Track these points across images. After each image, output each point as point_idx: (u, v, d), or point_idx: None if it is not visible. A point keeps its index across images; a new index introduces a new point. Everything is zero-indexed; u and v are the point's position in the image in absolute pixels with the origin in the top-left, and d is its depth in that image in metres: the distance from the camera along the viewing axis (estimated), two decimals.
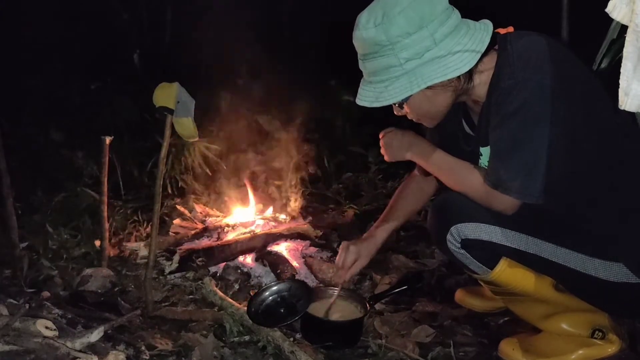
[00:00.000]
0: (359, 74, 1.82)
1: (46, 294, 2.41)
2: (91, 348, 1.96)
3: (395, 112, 1.87)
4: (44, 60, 4.82)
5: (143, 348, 2.03)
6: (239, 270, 2.70)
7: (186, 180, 3.69)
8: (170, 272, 2.66)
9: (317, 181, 3.90)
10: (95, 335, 2.00)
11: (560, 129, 1.64)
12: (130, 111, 4.48)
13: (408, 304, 2.42)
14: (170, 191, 3.59)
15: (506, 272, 1.88)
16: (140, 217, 3.25)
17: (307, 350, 1.98)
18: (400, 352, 2.05)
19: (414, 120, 1.89)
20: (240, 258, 2.80)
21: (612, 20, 1.27)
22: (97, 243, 2.79)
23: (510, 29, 1.79)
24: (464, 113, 1.95)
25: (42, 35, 4.83)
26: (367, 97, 1.76)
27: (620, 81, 1.21)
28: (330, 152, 4.18)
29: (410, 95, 1.73)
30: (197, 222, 3.24)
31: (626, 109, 1.22)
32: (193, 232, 3.05)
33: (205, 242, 2.92)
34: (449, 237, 1.86)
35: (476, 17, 1.78)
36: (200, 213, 3.36)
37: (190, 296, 2.50)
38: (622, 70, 1.22)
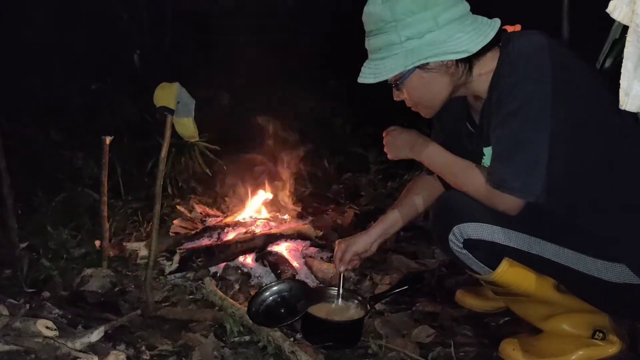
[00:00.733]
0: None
1: (46, 294, 2.41)
2: (91, 348, 1.96)
3: (394, 97, 1.88)
4: (45, 60, 4.83)
5: (143, 348, 2.04)
6: (239, 271, 2.71)
7: (186, 180, 3.70)
8: (171, 272, 2.66)
9: (317, 181, 3.90)
10: (95, 335, 2.00)
11: (561, 128, 1.64)
12: (130, 111, 4.49)
13: (408, 304, 2.42)
14: (170, 191, 3.59)
15: (508, 272, 1.87)
16: (140, 217, 3.25)
17: (307, 350, 1.98)
18: (400, 353, 2.05)
19: (412, 108, 1.89)
20: (241, 258, 2.80)
21: (612, 20, 1.27)
22: (97, 243, 2.79)
23: (518, 27, 1.80)
24: (466, 111, 1.95)
25: (43, 35, 4.84)
26: (366, 74, 1.78)
27: (621, 81, 1.21)
28: (331, 153, 4.18)
29: (408, 76, 1.76)
30: (198, 223, 3.24)
31: (627, 109, 1.23)
32: (193, 232, 3.05)
33: (205, 242, 2.92)
34: (451, 237, 1.86)
35: None
36: (201, 213, 3.36)
37: (191, 296, 2.49)
38: (622, 71, 1.22)
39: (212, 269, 2.72)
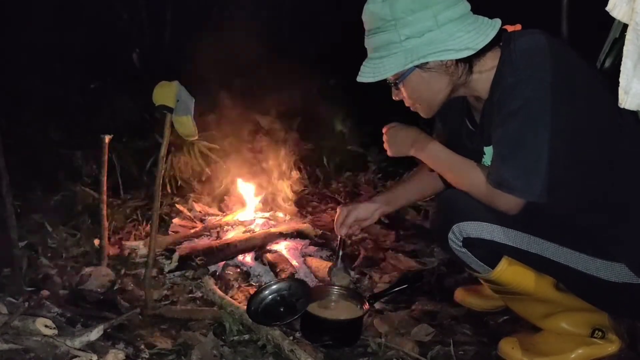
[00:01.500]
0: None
1: (45, 292, 2.41)
2: (91, 347, 1.96)
3: (393, 97, 1.88)
4: (43, 59, 4.81)
5: (142, 347, 2.04)
6: (239, 269, 2.71)
7: (186, 179, 3.69)
8: (170, 271, 2.66)
9: (317, 180, 3.90)
10: (94, 334, 2.00)
11: (562, 128, 1.64)
12: (129, 110, 4.48)
13: (408, 302, 2.42)
14: (169, 190, 3.59)
15: (507, 271, 1.88)
16: (139, 216, 3.25)
17: (306, 349, 1.98)
18: (399, 351, 2.05)
19: (410, 108, 1.89)
20: (240, 257, 2.81)
21: (612, 19, 1.27)
22: (97, 242, 2.78)
23: (518, 26, 1.79)
24: (467, 110, 1.95)
25: (42, 34, 4.82)
26: (365, 73, 1.78)
27: (620, 79, 1.21)
28: (330, 152, 4.18)
29: (407, 75, 1.76)
30: (197, 221, 3.24)
31: (626, 107, 1.23)
32: (192, 231, 3.05)
33: (204, 241, 2.93)
34: (450, 235, 1.86)
35: None
36: (200, 212, 3.36)
37: (190, 295, 2.49)
38: (622, 69, 1.22)
39: (212, 268, 2.71)
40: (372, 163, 3.96)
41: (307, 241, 2.98)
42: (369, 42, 1.79)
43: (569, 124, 1.66)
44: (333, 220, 3.24)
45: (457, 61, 1.74)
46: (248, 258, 2.81)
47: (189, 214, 3.32)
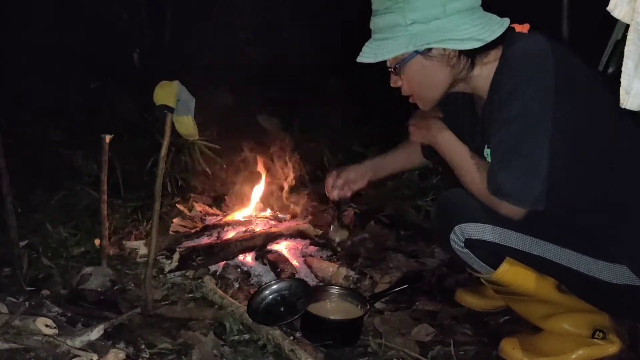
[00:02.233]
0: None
1: (46, 292, 2.41)
2: (91, 346, 1.97)
3: (391, 83, 1.87)
4: (44, 59, 4.82)
5: (143, 346, 2.04)
6: (239, 269, 2.71)
7: (186, 179, 3.69)
8: (170, 271, 2.66)
9: (317, 180, 3.89)
10: (95, 334, 2.01)
11: (562, 133, 1.64)
12: (130, 110, 4.48)
13: (408, 302, 2.42)
14: (170, 190, 3.59)
15: (509, 272, 1.88)
16: (140, 216, 3.25)
17: (307, 348, 1.98)
18: (400, 351, 2.05)
19: (409, 99, 1.89)
20: (240, 257, 2.80)
21: (612, 19, 1.27)
22: (97, 242, 2.78)
23: (526, 26, 1.79)
24: (470, 106, 1.94)
25: (42, 34, 4.83)
26: (366, 54, 1.77)
27: (622, 80, 1.21)
28: (330, 152, 4.18)
29: (409, 60, 1.74)
30: (197, 221, 3.24)
31: (627, 108, 1.23)
32: (193, 230, 3.05)
33: (205, 240, 2.92)
34: (452, 236, 1.86)
35: None
36: (200, 212, 3.36)
37: (190, 295, 2.49)
38: (623, 69, 1.22)
39: (212, 268, 2.71)
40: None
41: (307, 241, 2.98)
42: (374, 23, 1.77)
43: (569, 128, 1.65)
44: (332, 219, 3.29)
45: (460, 54, 1.73)
46: (248, 258, 2.81)
47: (189, 213, 3.32)
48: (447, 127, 1.98)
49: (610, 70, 2.32)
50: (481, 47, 1.70)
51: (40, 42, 4.80)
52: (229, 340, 2.11)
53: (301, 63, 5.13)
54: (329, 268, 2.65)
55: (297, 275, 2.61)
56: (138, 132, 4.10)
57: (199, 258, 2.70)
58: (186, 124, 2.24)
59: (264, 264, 2.75)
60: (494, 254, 1.86)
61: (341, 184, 2.19)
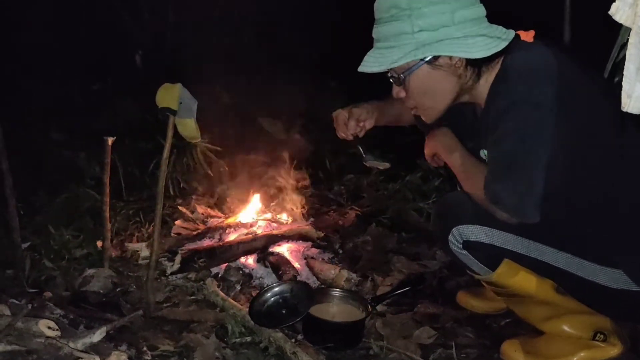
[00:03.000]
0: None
1: (48, 294, 2.42)
2: (93, 348, 1.97)
3: (394, 94, 1.84)
4: (46, 61, 4.83)
5: (145, 348, 2.04)
6: (241, 272, 2.71)
7: (188, 181, 3.70)
8: (172, 273, 2.66)
9: (319, 183, 3.90)
10: (97, 336, 2.01)
11: (558, 147, 1.63)
12: (132, 112, 4.49)
13: (410, 305, 2.42)
14: (172, 192, 3.59)
15: (508, 273, 1.88)
16: (142, 218, 3.25)
17: (308, 351, 1.98)
18: (401, 354, 2.06)
19: (412, 110, 1.87)
20: (242, 259, 2.80)
21: (615, 23, 1.27)
22: (99, 244, 2.78)
23: (532, 32, 1.76)
24: (472, 106, 1.93)
25: (44, 36, 4.84)
26: (370, 62, 1.73)
27: (624, 83, 1.21)
28: (332, 154, 4.18)
29: (414, 69, 1.71)
30: (199, 223, 3.24)
31: (629, 111, 1.23)
32: (195, 233, 3.05)
33: (207, 243, 2.92)
34: (450, 238, 1.86)
35: None
36: (202, 214, 3.36)
37: (192, 297, 2.49)
38: (624, 73, 1.22)
39: (214, 270, 2.71)
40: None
41: (309, 243, 2.98)
42: (378, 31, 1.74)
43: (566, 142, 1.64)
44: (334, 221, 3.29)
45: (467, 64, 1.71)
46: (250, 260, 2.81)
47: (191, 215, 3.32)
48: (449, 123, 1.98)
49: (617, 79, 2.31)
50: (488, 57, 1.68)
51: (42, 44, 4.81)
52: (230, 342, 2.11)
53: (303, 64, 5.13)
54: (331, 270, 2.65)
55: (298, 278, 2.61)
56: (140, 134, 4.11)
57: (200, 260, 2.70)
58: (188, 127, 2.24)
59: (266, 266, 2.76)
60: (492, 256, 1.86)
61: (354, 125, 2.10)
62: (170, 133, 2.23)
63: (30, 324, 1.99)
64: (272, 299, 2.23)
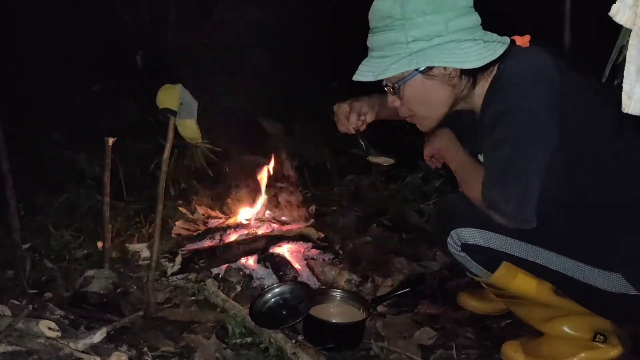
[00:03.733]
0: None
1: (49, 295, 2.42)
2: (94, 349, 1.97)
3: (389, 103, 1.84)
4: (47, 61, 4.83)
5: (145, 349, 2.04)
6: (241, 272, 2.71)
7: (189, 182, 3.70)
8: (173, 274, 2.66)
9: (320, 183, 3.90)
10: (98, 336, 2.01)
11: (554, 153, 1.64)
12: (132, 113, 4.49)
13: (410, 306, 2.42)
14: (172, 193, 3.59)
15: (507, 275, 1.88)
16: (142, 219, 3.25)
17: (309, 352, 1.98)
18: (402, 355, 2.06)
19: (407, 119, 1.87)
20: (243, 260, 2.81)
21: (615, 24, 1.27)
22: (100, 244, 2.79)
23: (527, 37, 1.76)
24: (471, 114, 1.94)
25: (45, 36, 4.84)
26: (364, 72, 1.73)
27: (624, 84, 1.21)
28: (333, 155, 4.18)
29: (408, 79, 1.71)
30: (200, 224, 3.24)
31: (629, 112, 1.22)
32: (195, 233, 3.05)
33: (207, 243, 2.92)
34: (449, 240, 1.87)
35: None
36: (203, 215, 3.36)
37: (193, 298, 2.49)
38: (625, 74, 1.22)
39: (214, 271, 2.72)
40: (374, 167, 3.95)
41: (309, 244, 2.98)
42: (372, 40, 1.73)
43: (563, 146, 1.65)
44: (336, 223, 3.29)
45: (462, 73, 1.71)
46: (251, 261, 2.81)
47: (191, 216, 3.32)
48: (449, 124, 1.98)
49: (617, 82, 2.31)
50: (483, 66, 1.67)
51: (43, 44, 4.81)
52: (231, 343, 2.12)
53: (304, 66, 5.13)
54: (331, 271, 2.66)
55: (299, 279, 2.62)
56: (141, 134, 4.11)
57: (201, 261, 2.70)
58: (189, 127, 2.25)
59: (266, 267, 2.76)
60: (491, 258, 1.87)
61: (355, 119, 2.10)
62: (170, 134, 2.23)
63: (31, 324, 1.99)
64: (273, 299, 2.23)
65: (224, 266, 2.74)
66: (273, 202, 3.42)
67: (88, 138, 3.70)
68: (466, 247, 1.85)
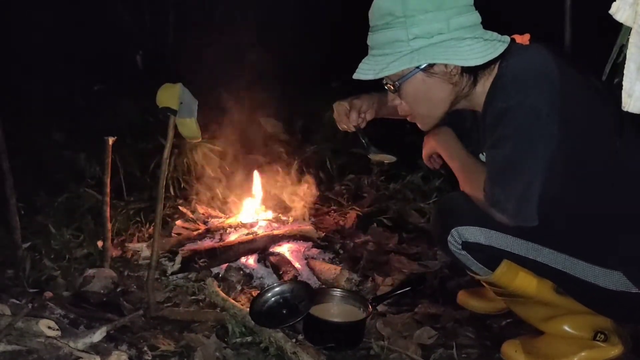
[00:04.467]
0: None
1: (49, 294, 2.42)
2: (94, 348, 1.97)
3: (389, 101, 1.84)
4: (47, 61, 4.83)
5: (145, 348, 2.04)
6: (241, 272, 2.70)
7: (189, 181, 3.70)
8: (173, 273, 2.66)
9: (320, 183, 3.90)
10: (97, 336, 2.01)
11: (556, 151, 1.63)
12: (132, 112, 4.49)
13: (410, 305, 2.42)
14: (172, 192, 3.59)
15: (507, 274, 1.87)
16: (142, 218, 3.25)
17: (309, 351, 1.98)
18: (402, 354, 2.05)
19: (407, 118, 1.87)
20: (243, 259, 2.80)
21: (616, 22, 1.27)
22: (100, 244, 2.79)
23: (527, 36, 1.75)
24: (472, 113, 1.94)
25: (45, 36, 4.85)
26: (364, 70, 1.72)
27: (624, 82, 1.21)
28: (333, 154, 4.18)
29: (409, 77, 1.71)
30: (200, 223, 3.24)
31: (629, 110, 1.23)
32: (195, 233, 3.05)
33: (207, 243, 2.92)
34: (449, 238, 1.86)
35: None
36: (203, 214, 3.36)
37: (193, 297, 2.49)
38: (625, 72, 1.22)
39: (214, 270, 2.72)
40: (375, 166, 3.95)
41: (309, 243, 2.98)
42: (373, 38, 1.73)
43: (565, 146, 1.64)
44: (335, 221, 3.30)
45: (463, 71, 1.70)
46: (251, 260, 2.81)
47: (191, 216, 3.32)
48: (449, 123, 1.97)
49: (617, 81, 2.31)
50: (484, 64, 1.67)
51: (43, 44, 4.82)
52: (231, 342, 2.11)
53: (304, 65, 5.13)
54: (332, 270, 2.65)
55: (299, 278, 2.61)
56: (141, 134, 4.11)
57: (201, 260, 2.70)
58: (189, 127, 2.24)
59: (267, 267, 2.76)
60: (491, 257, 1.86)
61: (355, 116, 2.09)
62: (170, 133, 2.23)
63: (31, 323, 1.99)
64: (273, 299, 2.23)
65: (224, 265, 2.74)
66: (273, 201, 3.43)
67: (88, 138, 3.70)
68: (467, 246, 1.85)
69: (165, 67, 5.17)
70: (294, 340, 2.05)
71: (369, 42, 1.76)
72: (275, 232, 3.01)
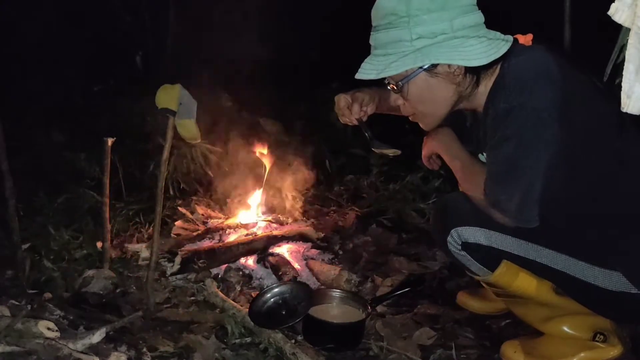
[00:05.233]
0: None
1: (48, 295, 2.41)
2: (93, 349, 1.97)
3: (392, 101, 1.84)
4: (47, 62, 4.83)
5: (144, 349, 2.04)
6: (241, 272, 2.71)
7: (188, 182, 3.70)
8: (172, 274, 2.66)
9: (319, 183, 3.90)
10: (97, 337, 2.01)
11: (557, 152, 1.63)
12: (132, 113, 4.49)
13: (410, 306, 2.42)
14: (172, 193, 3.59)
15: (507, 274, 1.87)
16: (142, 219, 3.25)
17: (308, 352, 1.98)
18: (401, 355, 2.05)
19: (410, 118, 1.87)
20: (242, 260, 2.81)
21: (615, 24, 1.27)
22: (99, 244, 2.78)
23: (530, 36, 1.75)
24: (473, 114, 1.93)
25: (45, 37, 4.84)
26: (367, 70, 1.71)
27: (623, 84, 1.21)
28: (332, 154, 4.18)
29: (412, 77, 1.70)
30: (199, 224, 3.24)
31: (628, 111, 1.23)
32: (195, 233, 3.05)
33: (207, 243, 2.92)
34: (449, 239, 1.86)
35: None
36: (202, 215, 3.36)
37: (192, 298, 2.49)
38: (624, 73, 1.22)
39: (214, 271, 2.72)
40: (375, 166, 3.95)
41: (309, 244, 2.98)
42: (375, 38, 1.72)
43: (565, 147, 1.64)
44: (335, 222, 3.30)
45: (466, 71, 1.70)
46: (250, 261, 2.81)
47: (191, 216, 3.32)
48: (451, 123, 1.97)
49: (617, 81, 2.31)
50: (486, 64, 1.66)
51: (43, 45, 4.82)
52: (230, 343, 2.11)
53: (304, 65, 5.13)
54: (331, 271, 2.65)
55: (298, 279, 2.62)
56: (140, 135, 4.10)
57: (200, 261, 2.70)
58: (188, 127, 2.24)
59: (266, 267, 2.76)
60: (491, 257, 1.86)
61: (358, 109, 2.07)
62: (170, 134, 2.23)
63: (30, 324, 1.99)
64: (272, 299, 2.23)
65: (224, 266, 2.74)
66: (272, 201, 3.43)
67: (88, 138, 3.70)
68: (466, 246, 1.85)
69: (164, 68, 5.17)
70: (293, 341, 2.05)
71: (371, 41, 1.75)
72: (275, 232, 3.01)
